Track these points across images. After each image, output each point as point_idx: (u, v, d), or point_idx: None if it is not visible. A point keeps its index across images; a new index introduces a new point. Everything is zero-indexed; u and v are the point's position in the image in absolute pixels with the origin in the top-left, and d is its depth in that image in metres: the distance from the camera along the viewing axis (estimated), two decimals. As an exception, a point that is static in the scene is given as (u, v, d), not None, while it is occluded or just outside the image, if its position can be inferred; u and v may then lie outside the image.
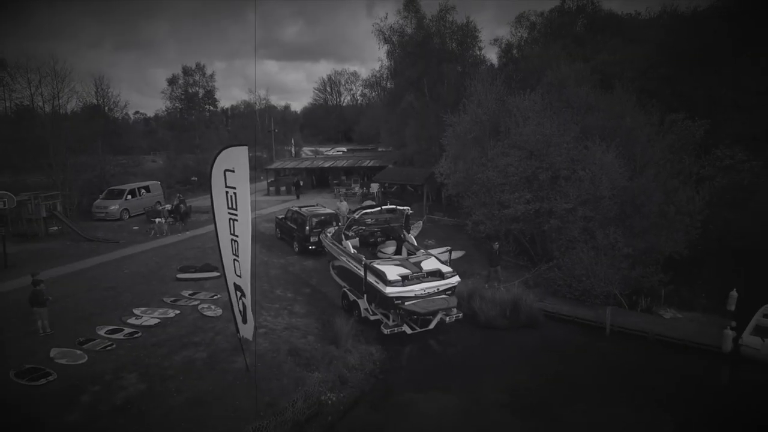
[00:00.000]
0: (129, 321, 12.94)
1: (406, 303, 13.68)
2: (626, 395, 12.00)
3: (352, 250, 15.81)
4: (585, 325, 15.56)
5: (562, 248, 18.08)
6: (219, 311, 13.73)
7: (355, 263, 15.25)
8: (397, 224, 17.62)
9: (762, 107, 20.08)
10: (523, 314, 15.73)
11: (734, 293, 15.86)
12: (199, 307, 14.04)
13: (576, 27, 34.26)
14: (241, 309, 10.22)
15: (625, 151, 19.00)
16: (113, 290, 15.28)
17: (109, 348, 11.47)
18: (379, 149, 45.39)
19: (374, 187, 31.76)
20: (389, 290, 13.64)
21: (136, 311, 13.53)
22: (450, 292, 14.53)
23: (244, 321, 10.28)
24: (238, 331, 10.61)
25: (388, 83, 37.30)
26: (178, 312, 13.61)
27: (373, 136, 55.09)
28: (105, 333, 12.19)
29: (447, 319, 14.68)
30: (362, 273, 14.47)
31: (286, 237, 21.91)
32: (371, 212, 16.85)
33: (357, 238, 17.61)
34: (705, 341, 13.99)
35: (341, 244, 16.42)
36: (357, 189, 35.04)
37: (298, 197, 33.44)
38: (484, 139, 21.82)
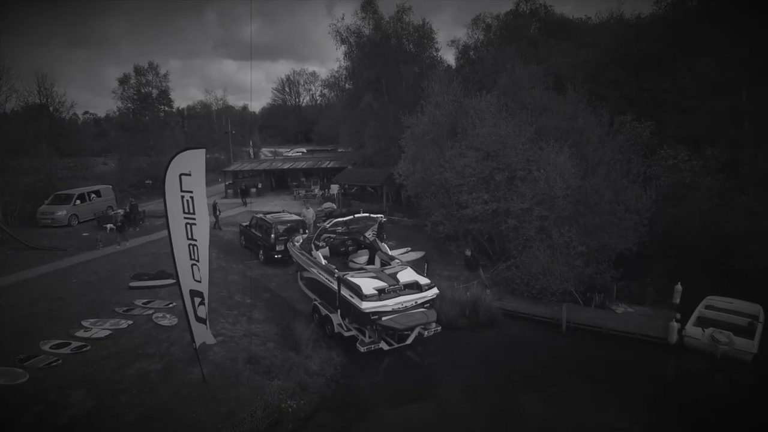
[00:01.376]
0: (77, 334, 12.31)
1: (384, 318, 12.99)
2: (580, 387, 12.44)
3: (323, 261, 15.11)
4: (542, 323, 15.99)
5: (519, 247, 18.50)
6: (174, 320, 13.29)
7: (326, 275, 14.53)
8: (370, 232, 16.94)
9: (700, 109, 21.16)
10: (482, 314, 16.00)
11: (679, 287, 16.71)
12: (154, 316, 13.54)
13: (530, 30, 35.18)
14: (203, 315, 10.04)
15: (577, 152, 19.65)
16: (60, 301, 14.53)
17: (54, 364, 10.88)
18: (339, 150, 45.20)
19: (334, 189, 31.60)
20: (365, 305, 12.89)
21: (85, 323, 12.90)
22: (429, 305, 13.89)
23: (203, 321, 10.19)
24: (193, 341, 10.31)
25: (347, 84, 37.16)
26: (130, 322, 13.08)
27: (332, 137, 54.78)
28: (50, 348, 11.56)
29: (426, 333, 14.09)
30: (335, 286, 13.72)
31: (250, 245, 21.07)
32: (343, 221, 16.05)
33: (327, 248, 16.93)
34: (653, 334, 14.65)
35: (311, 255, 15.70)
36: (317, 191, 34.76)
37: (244, 203, 31.75)
38: (442, 140, 22.07)
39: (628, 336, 14.78)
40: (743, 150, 19.19)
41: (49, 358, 11.07)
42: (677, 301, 16.40)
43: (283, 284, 17.81)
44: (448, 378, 13.13)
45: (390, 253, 16.36)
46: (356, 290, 13.22)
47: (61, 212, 24.77)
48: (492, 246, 20.41)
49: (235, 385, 10.84)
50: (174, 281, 14.35)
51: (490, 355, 14.38)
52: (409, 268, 14.75)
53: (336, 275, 13.88)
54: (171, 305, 14.30)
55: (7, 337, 12.06)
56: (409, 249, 20.05)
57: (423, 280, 14.13)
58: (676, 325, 14.25)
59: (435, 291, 14.07)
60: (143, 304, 14.41)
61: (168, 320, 13.32)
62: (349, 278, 13.65)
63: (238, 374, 11.26)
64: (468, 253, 18.10)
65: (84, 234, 23.04)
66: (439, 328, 14.42)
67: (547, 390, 12.31)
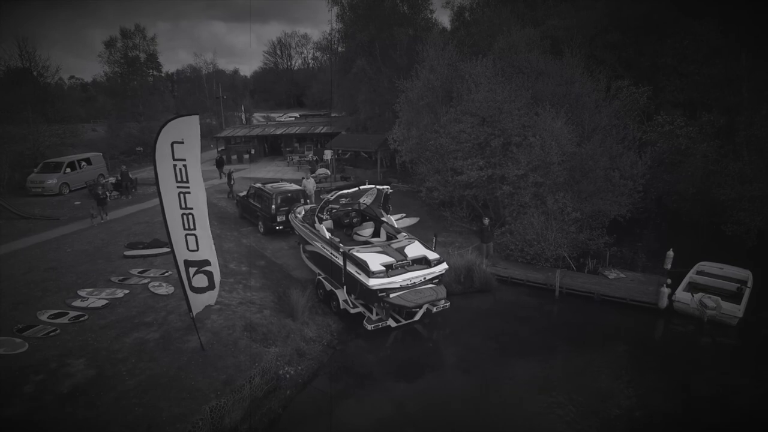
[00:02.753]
0: (74, 304, 12.36)
1: (392, 295, 12.65)
2: (571, 351, 12.78)
3: (328, 235, 14.51)
4: (536, 288, 16.18)
5: (513, 213, 18.56)
6: (171, 289, 13.34)
7: (331, 250, 14.04)
8: (366, 197, 16.23)
9: (698, 74, 20.93)
10: (476, 279, 16.13)
11: (671, 253, 16.82)
12: (150, 285, 13.57)
13: (527, -11, 34.21)
14: (201, 284, 10.24)
15: (574, 117, 19.49)
16: (54, 271, 14.51)
17: (52, 334, 10.95)
18: (333, 115, 44.63)
19: (327, 154, 31.33)
20: (372, 282, 12.46)
21: (81, 293, 12.94)
22: (438, 280, 13.53)
23: (212, 287, 10.38)
24: (190, 311, 10.37)
25: (340, 47, 36.37)
26: (127, 291, 13.12)
27: (326, 101, 53.94)
28: (47, 318, 11.61)
29: (434, 309, 13.86)
30: (340, 261, 13.31)
31: (248, 216, 20.61)
32: (347, 193, 15.44)
33: (330, 220, 16.43)
34: (644, 299, 14.90)
35: (314, 228, 15.14)
36: (310, 156, 34.51)
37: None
38: (437, 105, 21.78)
39: (619, 301, 15.05)
40: (739, 116, 19.10)
41: (47, 328, 11.14)
42: (668, 266, 16.55)
43: (278, 251, 17.85)
44: (443, 343, 13.39)
45: (396, 226, 15.82)
46: (363, 266, 12.78)
47: (52, 181, 24.50)
48: (486, 212, 20.48)
49: (233, 353, 10.98)
50: (168, 250, 14.44)
51: (484, 320, 14.61)
52: (417, 242, 14.29)
53: (341, 250, 13.43)
54: (167, 274, 14.35)
55: (4, 307, 12.10)
56: (404, 215, 20.06)
57: (432, 255, 13.69)
58: (666, 290, 14.50)
59: (444, 266, 13.66)
60: (139, 273, 14.43)
61: (164, 289, 13.37)
62: (355, 253, 13.23)
63: (236, 342, 11.39)
64: (486, 221, 17.89)
65: (76, 203, 22.87)
66: (448, 303, 14.03)
67: (539, 354, 12.60)
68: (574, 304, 15.29)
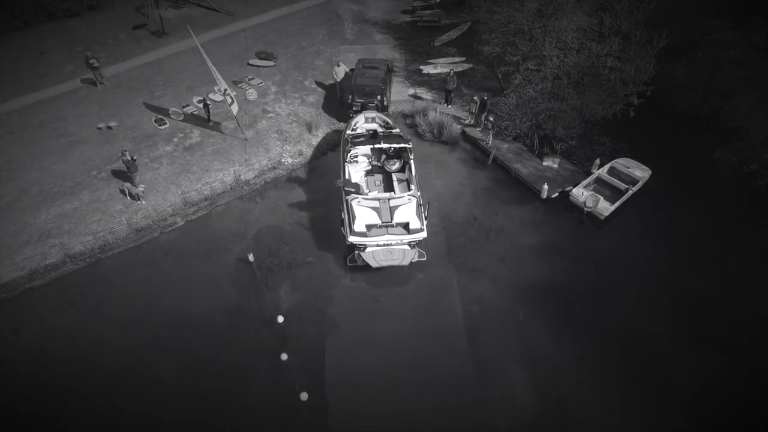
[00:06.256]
0: (211, 96, 23.16)
1: (367, 250, 15.46)
2: (478, 208, 19.17)
3: (348, 176, 17.45)
4: (484, 152, 21.72)
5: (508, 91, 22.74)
6: (255, 95, 23.57)
7: (346, 187, 16.66)
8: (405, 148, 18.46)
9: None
10: (445, 134, 22.09)
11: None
12: (247, 92, 23.87)
13: None
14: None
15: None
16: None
17: (193, 112, 22.64)
18: None
19: None
20: (351, 238, 15.40)
21: (215, 88, 23.81)
22: (414, 244, 15.73)
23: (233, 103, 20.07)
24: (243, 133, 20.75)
25: None
26: (235, 94, 23.61)
27: None
28: (195, 102, 23.16)
29: (412, 260, 15.74)
30: (345, 199, 16.29)
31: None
32: (365, 146, 18.42)
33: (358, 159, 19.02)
34: (537, 187, 19.98)
35: (344, 162, 17.99)
36: None
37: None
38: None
39: (526, 183, 20.27)
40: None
41: (191, 109, 22.80)
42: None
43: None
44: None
45: (414, 181, 17.65)
46: (350, 220, 15.62)
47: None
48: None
49: (263, 144, 21.46)
50: (273, 64, 24.08)
51: (435, 157, 21.59)
52: (412, 204, 16.08)
53: (344, 198, 16.39)
54: (261, 84, 24.48)
55: (180, 89, 23.95)
56: (452, 69, 24.79)
57: (415, 223, 15.71)
58: (546, 187, 19.42)
59: (422, 235, 15.66)
60: (248, 79, 24.79)
61: (253, 96, 23.67)
62: (354, 204, 15.91)
63: (267, 139, 21.75)
64: (476, 98, 21.98)
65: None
66: (425, 257, 16.22)
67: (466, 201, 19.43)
68: (497, 173, 20.75)
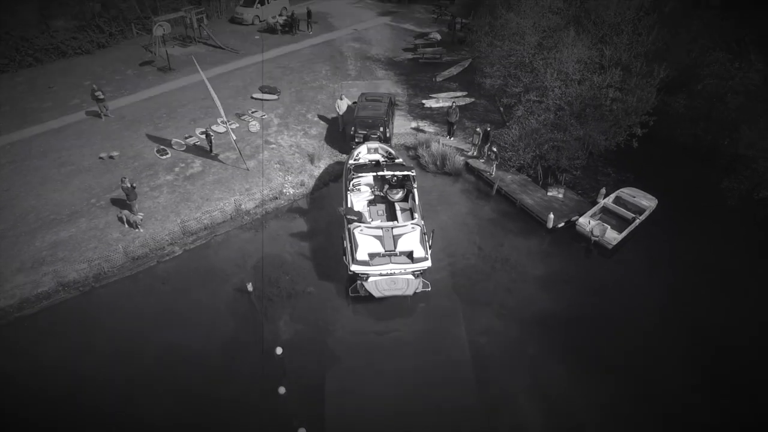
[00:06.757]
0: (213, 128, 23.48)
1: (369, 279, 14.92)
2: (482, 239, 18.82)
3: (350, 204, 17.19)
4: (486, 181, 21.68)
5: (511, 123, 22.91)
6: (258, 128, 23.71)
7: (348, 216, 16.35)
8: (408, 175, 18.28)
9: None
10: (448, 165, 22.07)
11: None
12: (249, 124, 24.07)
13: None
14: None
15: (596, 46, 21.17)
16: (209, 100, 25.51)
17: (196, 143, 22.70)
18: None
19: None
20: (354, 267, 14.92)
21: (218, 120, 24.00)
22: (418, 273, 15.22)
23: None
24: (245, 164, 20.74)
25: None
26: (237, 126, 23.87)
27: None
28: (198, 133, 23.29)
29: (416, 291, 15.19)
30: (347, 228, 15.88)
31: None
32: (368, 175, 18.33)
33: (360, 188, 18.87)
34: (543, 217, 19.79)
35: (345, 192, 17.73)
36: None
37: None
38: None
39: (531, 214, 20.01)
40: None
41: (194, 140, 22.87)
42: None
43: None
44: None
45: (418, 210, 17.25)
46: (353, 249, 15.15)
47: (248, 14, 35.37)
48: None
49: (265, 174, 21.33)
50: (276, 97, 24.32)
51: (440, 189, 21.35)
52: (416, 233, 15.67)
53: (347, 227, 15.95)
54: (264, 116, 24.65)
55: (183, 122, 24.17)
56: (455, 102, 25.23)
57: (419, 252, 15.27)
58: (552, 216, 19.15)
59: (426, 264, 15.23)
60: (251, 112, 25.02)
61: (255, 128, 23.80)
62: (356, 233, 15.48)
63: (269, 169, 21.66)
64: (479, 130, 22.04)
65: (256, 37, 33.64)
66: (429, 287, 15.65)
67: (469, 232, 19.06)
68: (501, 204, 20.60)
